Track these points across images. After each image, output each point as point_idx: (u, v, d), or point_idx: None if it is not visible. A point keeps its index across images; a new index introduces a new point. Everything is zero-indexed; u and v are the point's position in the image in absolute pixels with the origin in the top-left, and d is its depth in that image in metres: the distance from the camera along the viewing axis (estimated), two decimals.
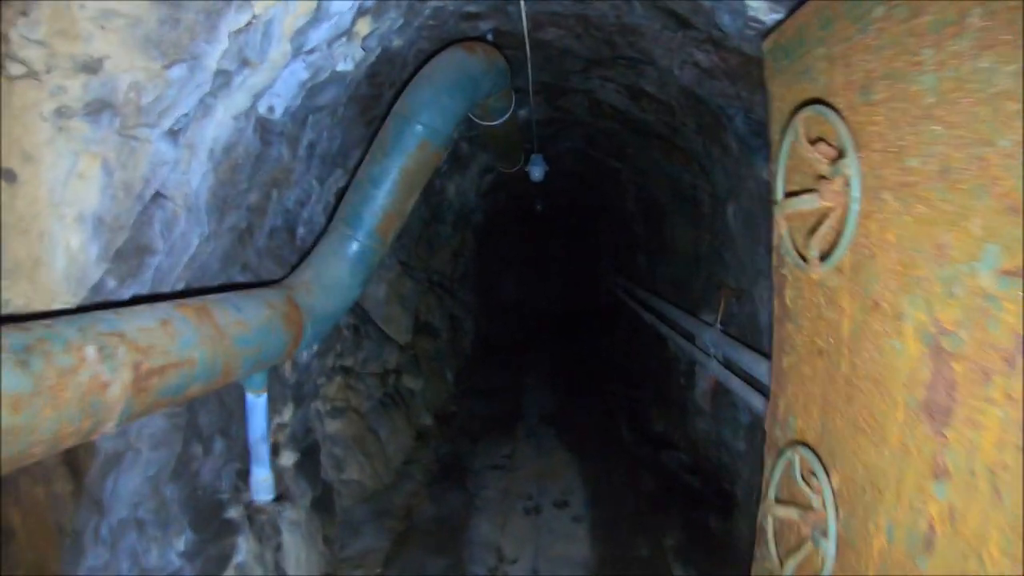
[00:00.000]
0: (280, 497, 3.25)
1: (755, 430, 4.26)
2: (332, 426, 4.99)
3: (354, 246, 2.82)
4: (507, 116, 4.05)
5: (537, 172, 6.25)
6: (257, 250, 2.98)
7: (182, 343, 1.65)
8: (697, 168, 4.90)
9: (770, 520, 1.99)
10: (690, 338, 5.23)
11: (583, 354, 10.52)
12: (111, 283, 1.87)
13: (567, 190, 10.91)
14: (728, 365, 4.14)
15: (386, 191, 2.84)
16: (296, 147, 2.99)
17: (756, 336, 3.94)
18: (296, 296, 2.53)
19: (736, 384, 3.82)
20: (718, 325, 4.14)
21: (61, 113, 1.56)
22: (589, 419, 7.10)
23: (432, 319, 8.03)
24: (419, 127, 2.81)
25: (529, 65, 3.87)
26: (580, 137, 7.15)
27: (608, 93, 4.97)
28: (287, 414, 4.01)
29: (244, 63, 2.12)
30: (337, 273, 2.77)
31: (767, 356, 3.02)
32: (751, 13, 2.49)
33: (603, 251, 13.36)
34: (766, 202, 3.59)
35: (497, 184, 9.05)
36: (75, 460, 1.87)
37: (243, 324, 2.01)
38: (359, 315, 5.46)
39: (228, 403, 2.89)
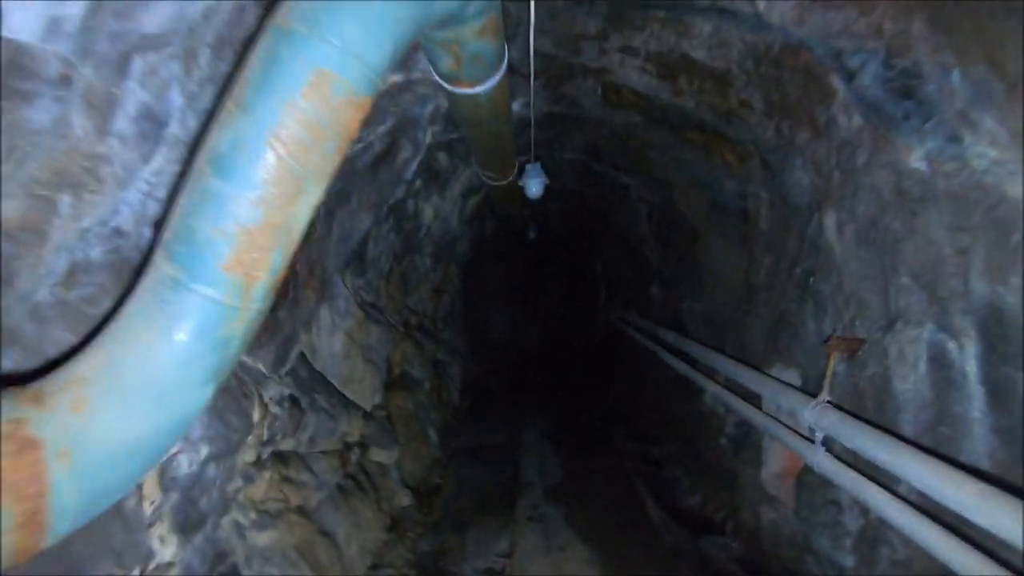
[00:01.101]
0: None
1: (873, 543, 2.83)
2: (262, 539, 3.48)
3: (189, 303, 1.33)
4: (498, 77, 2.57)
5: (535, 187, 4.88)
6: (32, 306, 1.54)
7: None
8: (756, 167, 3.54)
9: None
10: (752, 398, 3.81)
11: (586, 400, 9.03)
12: None
13: (564, 213, 9.55)
14: (829, 444, 2.72)
15: (251, 184, 1.37)
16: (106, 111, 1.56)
17: (886, 411, 2.52)
18: (43, 420, 1.09)
19: (867, 491, 2.38)
20: (826, 397, 2.70)
21: None
22: (604, 490, 5.60)
23: (411, 369, 6.56)
24: (322, 48, 1.35)
25: (532, 8, 2.48)
26: (583, 144, 5.80)
27: (629, 72, 3.61)
28: (169, 551, 2.55)
29: None
30: (153, 365, 1.29)
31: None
32: None
33: (605, 282, 11.98)
34: (914, 204, 2.20)
35: (483, 206, 7.68)
36: None
37: None
38: (300, 380, 3.99)
39: None
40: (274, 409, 3.58)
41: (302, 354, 4.34)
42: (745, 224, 4.15)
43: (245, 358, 3.33)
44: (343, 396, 4.70)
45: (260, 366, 3.54)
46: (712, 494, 5.13)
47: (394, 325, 5.82)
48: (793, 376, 3.40)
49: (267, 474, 3.55)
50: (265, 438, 3.44)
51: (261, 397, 3.43)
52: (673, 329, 5.88)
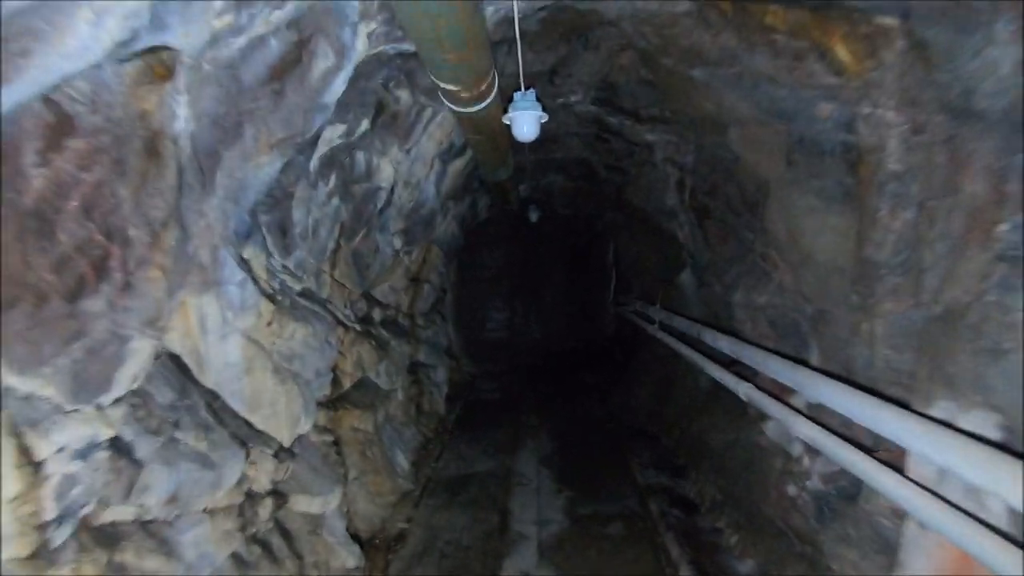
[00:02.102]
0: None
1: None
2: None
3: None
4: None
5: (527, 123, 3.34)
6: None
7: None
8: (892, 60, 2.00)
9: None
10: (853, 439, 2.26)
11: (595, 414, 7.48)
12: None
13: (571, 190, 8.00)
14: None
15: None
16: None
17: None
18: None
19: None
20: None
21: None
22: (621, 548, 4.08)
23: (374, 378, 5.06)
24: None
25: None
26: (595, 80, 4.26)
27: None
28: None
29: None
30: None
31: None
32: None
33: (619, 270, 10.44)
34: None
35: (472, 176, 6.14)
36: None
37: None
38: (158, 409, 2.51)
39: None
40: (67, 466, 2.08)
41: (181, 367, 2.87)
42: (853, 169, 2.59)
43: None
44: (249, 426, 3.22)
45: (48, 392, 2.07)
46: (776, 561, 3.59)
47: (344, 322, 4.31)
48: (981, 421, 1.85)
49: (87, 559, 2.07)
50: (53, 512, 1.96)
51: (28, 450, 1.95)
52: (715, 328, 4.32)
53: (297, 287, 3.72)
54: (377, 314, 5.14)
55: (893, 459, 2.46)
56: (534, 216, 8.77)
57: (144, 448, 2.50)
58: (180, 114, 2.49)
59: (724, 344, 3.68)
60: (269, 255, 3.40)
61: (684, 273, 5.33)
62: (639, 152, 5.31)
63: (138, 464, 2.47)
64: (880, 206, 2.43)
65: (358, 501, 4.49)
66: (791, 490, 3.48)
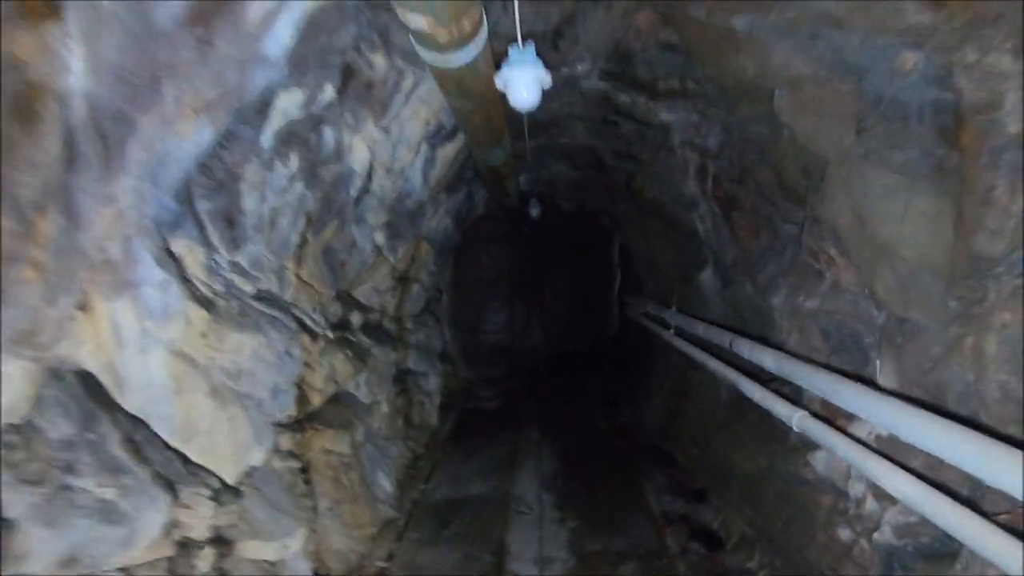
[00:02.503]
0: None
1: None
2: None
3: None
4: None
5: (525, 86, 2.72)
6: None
7: None
8: None
9: None
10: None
11: (602, 427, 6.86)
12: None
13: (574, 181, 7.37)
14: None
15: None
16: None
17: None
18: None
19: None
20: None
21: None
22: None
23: (353, 391, 4.46)
24: None
25: None
26: (604, 46, 3.65)
27: None
28: None
29: None
30: None
31: None
32: None
33: (627, 269, 9.86)
34: None
35: (465, 165, 5.53)
36: None
37: None
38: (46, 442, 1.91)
39: None
40: None
41: (94, 389, 2.30)
42: (950, 136, 1.98)
43: None
44: (187, 460, 2.62)
45: None
46: None
47: (312, 329, 3.70)
48: None
49: None
50: None
51: None
52: (746, 336, 3.70)
53: (250, 288, 3.11)
54: (356, 318, 4.53)
55: (1013, 522, 1.85)
56: (535, 211, 8.15)
57: (17, 505, 1.90)
58: (73, 66, 1.89)
59: (768, 359, 3.04)
60: (211, 250, 2.80)
61: (704, 272, 4.71)
62: (653, 136, 4.69)
63: (9, 526, 1.88)
64: (995, 183, 1.82)
65: (331, 535, 3.88)
66: (844, 535, 2.87)
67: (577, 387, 8.92)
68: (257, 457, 3.06)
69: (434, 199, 5.58)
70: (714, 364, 4.01)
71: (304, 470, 3.78)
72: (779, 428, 3.53)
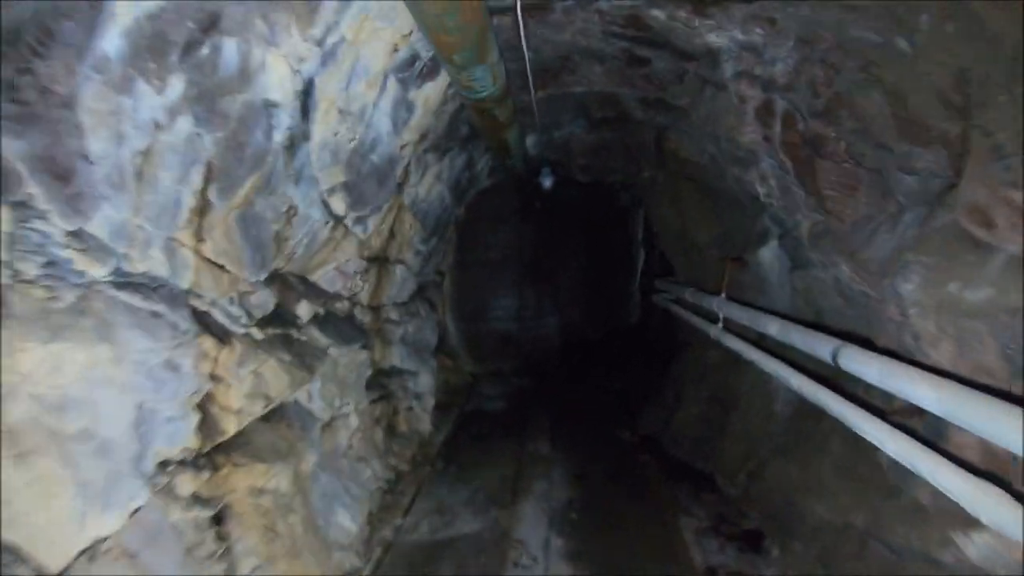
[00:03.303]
0: None
1: None
2: None
3: None
4: None
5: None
6: None
7: None
8: None
9: None
10: None
11: (624, 438, 5.79)
12: None
13: (592, 147, 6.23)
14: None
15: None
16: None
17: None
18: None
19: None
20: None
21: None
22: None
23: (306, 402, 3.43)
24: None
25: None
26: None
27: None
28: None
29: None
30: None
31: None
32: None
33: (653, 246, 8.73)
34: None
35: (458, 118, 4.44)
36: None
37: None
38: None
39: None
40: None
41: None
42: None
43: None
44: None
45: None
46: None
47: (222, 326, 2.66)
48: None
49: None
50: None
51: None
52: (854, 342, 2.57)
53: (100, 271, 2.07)
54: (306, 309, 3.47)
55: None
56: (547, 181, 7.02)
57: None
58: None
59: (925, 391, 1.88)
60: (26, 213, 1.76)
61: (764, 249, 3.58)
62: (696, 70, 3.54)
63: None
64: None
65: None
66: None
67: (594, 384, 7.84)
68: (107, 525, 2.03)
69: (419, 160, 4.49)
70: (798, 380, 2.89)
71: (219, 520, 2.76)
72: (889, 474, 2.42)
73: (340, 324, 3.96)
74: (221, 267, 2.67)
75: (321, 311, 3.77)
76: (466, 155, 5.86)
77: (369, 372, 4.39)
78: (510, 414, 6.46)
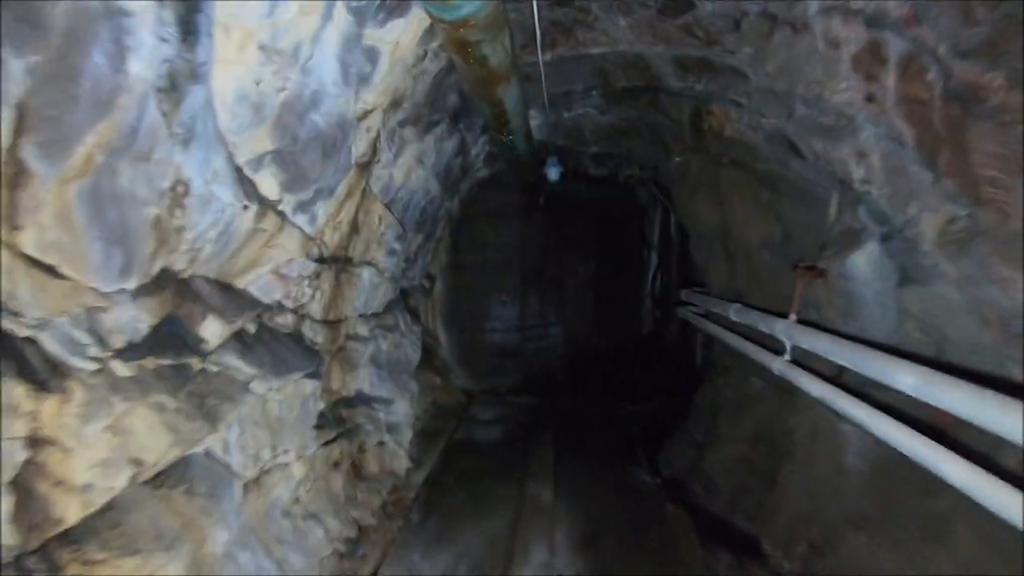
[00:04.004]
0: None
1: None
2: None
3: None
4: None
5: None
6: None
7: None
8: None
9: None
10: None
11: (645, 482, 4.86)
12: None
13: (609, 131, 5.29)
14: None
15: None
16: None
17: None
18: None
19: None
20: None
21: None
22: None
23: (221, 453, 2.49)
24: None
25: None
26: None
27: None
28: None
29: None
30: None
31: None
32: None
33: (667, 250, 7.84)
34: None
35: (444, 82, 3.51)
36: None
37: None
38: None
39: None
40: None
41: None
42: None
43: None
44: None
45: None
46: None
47: (28, 362, 1.73)
48: None
49: None
50: None
51: None
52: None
53: None
54: (215, 329, 2.53)
55: None
56: (553, 173, 6.06)
57: None
58: None
59: None
60: None
61: (859, 255, 2.61)
62: (762, 9, 2.61)
63: None
64: None
65: None
66: None
67: (604, 405, 6.90)
68: None
69: (392, 135, 3.56)
70: (910, 440, 1.94)
71: None
72: None
73: (278, 346, 3.03)
74: (51, 269, 1.74)
75: (251, 328, 2.84)
76: (458, 137, 4.93)
77: (321, 406, 3.45)
78: (507, 444, 5.51)
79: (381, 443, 4.37)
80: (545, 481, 4.61)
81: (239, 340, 2.81)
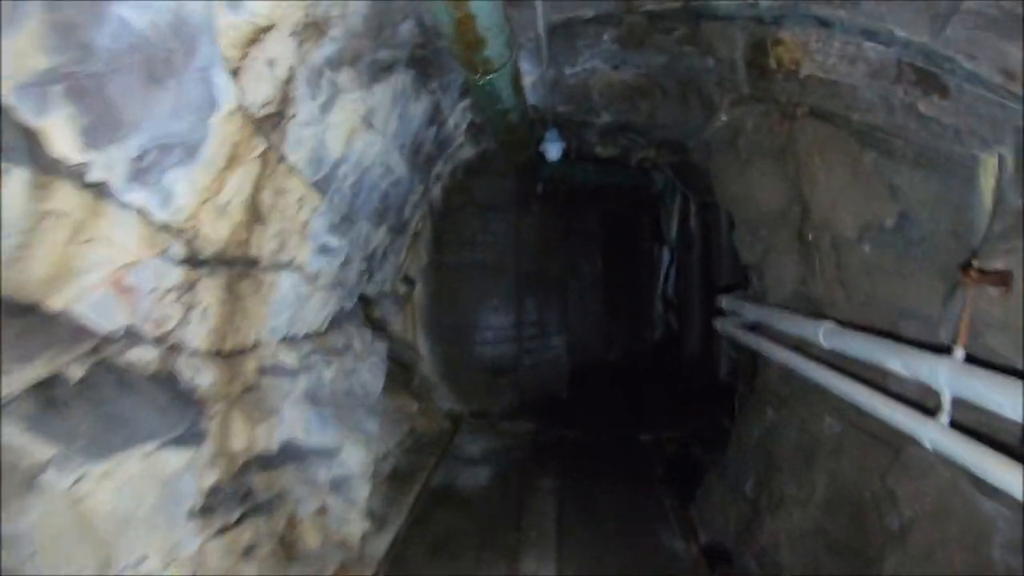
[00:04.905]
0: None
1: None
2: None
3: None
4: None
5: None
6: None
7: None
8: None
9: None
10: None
11: (678, 553, 3.76)
12: None
13: (624, 93, 4.17)
14: None
15: None
16: None
17: None
18: None
19: None
20: None
21: None
22: None
23: None
24: None
25: None
26: None
27: None
28: None
29: None
30: None
31: None
32: None
33: (687, 245, 6.79)
34: None
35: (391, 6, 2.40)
36: None
37: None
38: None
39: None
40: None
41: None
42: None
43: None
44: None
45: None
46: None
47: None
48: None
49: None
50: None
51: None
52: None
53: None
54: None
55: None
56: (553, 150, 4.92)
57: None
58: None
59: None
60: None
61: None
62: None
63: None
64: None
65: None
66: None
67: (616, 431, 5.79)
68: None
69: (314, 76, 2.44)
70: None
71: None
72: None
73: (122, 400, 1.92)
74: None
75: (75, 373, 1.74)
76: (429, 100, 3.82)
77: (212, 479, 2.34)
78: (498, 493, 4.41)
79: (322, 509, 3.26)
80: (546, 554, 3.49)
81: (41, 397, 1.72)
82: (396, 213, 4.27)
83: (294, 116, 2.45)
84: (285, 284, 2.79)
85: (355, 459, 3.57)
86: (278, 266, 2.69)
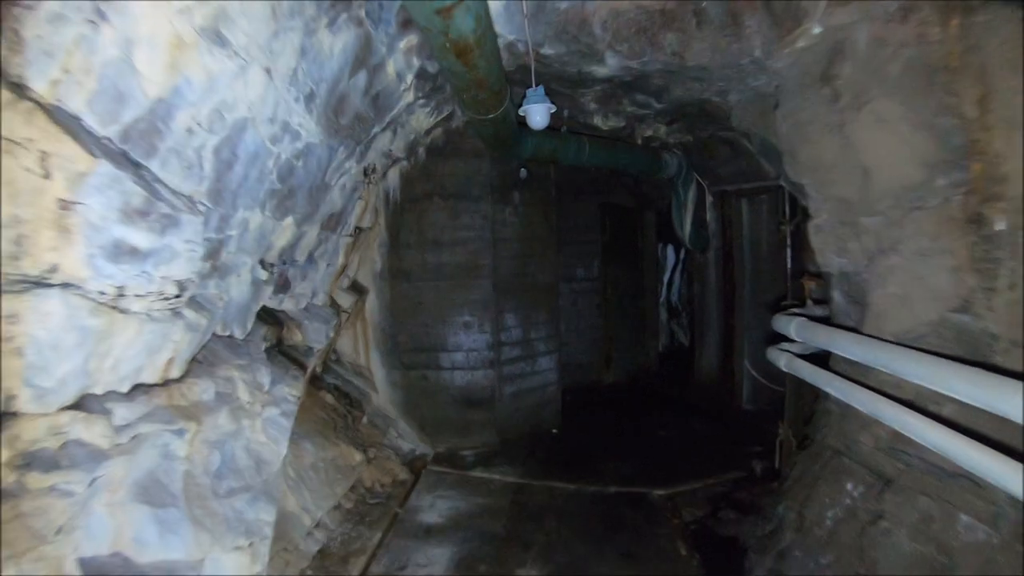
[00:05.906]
0: None
1: None
2: None
3: None
4: None
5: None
6: None
7: None
8: None
9: None
10: None
11: None
12: None
13: (644, 24, 3.00)
14: None
15: None
16: None
17: None
18: None
19: None
20: None
21: None
22: None
23: None
24: None
25: None
26: None
27: None
28: None
29: None
30: None
31: None
32: None
33: (708, 248, 5.74)
34: None
35: None
36: None
37: None
38: None
39: None
40: None
41: None
42: None
43: None
44: None
45: None
46: None
47: None
48: None
49: None
50: None
51: None
52: None
53: None
54: None
55: None
56: (539, 115, 3.71)
57: None
58: None
59: None
60: None
61: None
62: None
63: None
64: None
65: None
66: None
67: (626, 490, 4.62)
68: None
69: None
70: None
71: None
72: None
73: None
74: None
75: None
76: (355, 31, 2.65)
77: None
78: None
79: None
80: None
81: None
82: (310, 198, 3.07)
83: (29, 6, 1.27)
84: (58, 314, 1.60)
85: (229, 571, 2.38)
86: (24, 282, 1.50)
